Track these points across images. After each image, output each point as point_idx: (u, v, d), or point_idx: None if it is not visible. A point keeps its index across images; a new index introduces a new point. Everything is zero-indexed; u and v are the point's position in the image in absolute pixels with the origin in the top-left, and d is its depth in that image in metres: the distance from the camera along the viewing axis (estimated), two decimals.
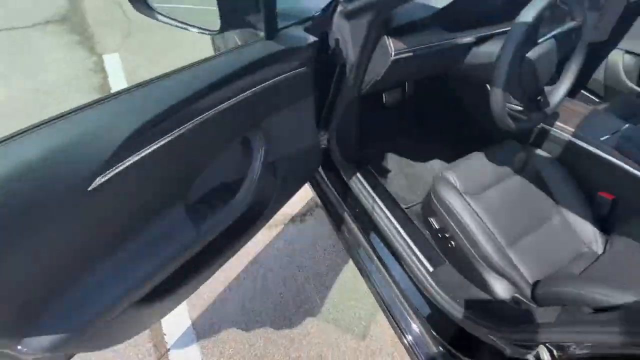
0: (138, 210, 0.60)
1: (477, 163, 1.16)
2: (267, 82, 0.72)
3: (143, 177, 0.58)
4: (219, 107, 0.67)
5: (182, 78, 0.64)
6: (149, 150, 0.56)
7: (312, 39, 0.77)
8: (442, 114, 1.62)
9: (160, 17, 0.76)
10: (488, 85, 1.09)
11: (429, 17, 0.91)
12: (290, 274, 1.45)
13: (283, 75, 0.74)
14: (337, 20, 0.90)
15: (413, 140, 1.58)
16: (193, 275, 0.81)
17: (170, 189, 0.66)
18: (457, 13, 0.93)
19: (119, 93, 0.58)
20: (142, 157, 0.55)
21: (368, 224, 1.22)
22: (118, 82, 2.39)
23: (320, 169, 1.37)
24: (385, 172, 1.45)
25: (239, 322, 1.33)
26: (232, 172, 0.79)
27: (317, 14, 0.83)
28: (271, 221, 1.58)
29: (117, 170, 0.52)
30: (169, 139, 0.58)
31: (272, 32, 0.71)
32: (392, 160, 1.49)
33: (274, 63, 0.72)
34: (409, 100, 1.55)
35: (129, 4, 0.80)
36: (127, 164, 0.53)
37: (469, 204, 1.05)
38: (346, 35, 0.91)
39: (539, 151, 1.21)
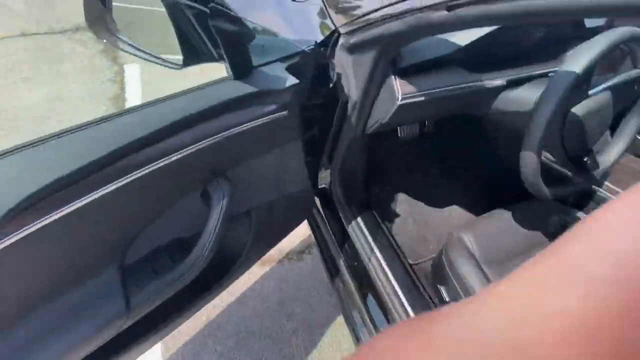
0: (32, 286, 0.49)
1: (501, 223, 0.96)
2: (234, 129, 0.59)
3: (48, 244, 0.46)
4: (170, 156, 0.55)
5: (125, 122, 0.52)
6: (58, 215, 0.45)
7: (292, 80, 0.64)
8: (467, 154, 1.43)
9: (122, 45, 0.66)
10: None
11: (448, 56, 0.75)
12: (278, 322, 1.30)
13: (256, 121, 0.61)
14: (339, 53, 0.77)
15: (430, 181, 1.39)
16: (130, 345, 0.68)
17: (94, 252, 0.55)
18: (484, 51, 0.77)
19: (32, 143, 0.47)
20: (46, 224, 0.44)
21: (364, 281, 1.05)
22: (134, 93, 2.38)
23: (320, 208, 1.23)
24: (393, 217, 1.28)
25: None
26: (188, 227, 0.67)
27: (309, 47, 0.70)
28: (265, 256, 1.44)
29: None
30: (89, 199, 0.47)
31: (241, 71, 0.59)
32: (403, 204, 1.32)
33: (243, 107, 0.59)
34: (428, 136, 1.38)
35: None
36: (22, 234, 0.42)
37: (487, 277, 0.86)
38: (348, 70, 0.77)
39: (581, 215, 1.00)
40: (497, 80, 0.77)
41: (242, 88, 0.58)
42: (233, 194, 0.66)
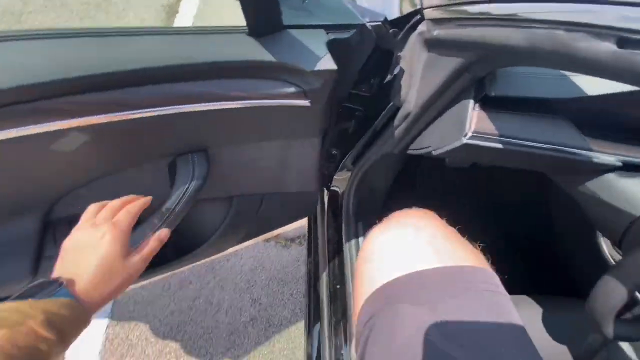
0: None
1: (524, 318, 0.77)
2: (231, 101, 0.43)
3: None
4: (143, 110, 0.41)
5: (109, 46, 0.39)
6: None
7: (328, 64, 0.45)
8: (522, 210, 1.18)
9: None
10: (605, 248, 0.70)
11: (557, 101, 0.53)
12: (239, 303, 1.20)
13: (263, 101, 0.44)
14: (413, 43, 0.57)
15: (461, 222, 1.17)
16: None
17: (16, 194, 0.44)
18: (606, 110, 0.54)
19: None
20: None
21: (339, 307, 0.91)
22: (190, 7, 2.22)
23: (326, 207, 1.07)
24: None
25: (158, 329, 1.12)
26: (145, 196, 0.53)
27: (373, 23, 0.50)
28: None
29: None
30: (32, 130, 0.38)
31: (261, 27, 0.41)
32: None
33: (250, 76, 0.42)
34: (481, 171, 1.15)
35: None
36: None
37: None
38: (416, 70, 0.57)
39: (626, 348, 0.79)
40: (609, 157, 0.54)
41: (256, 51, 0.41)
42: (208, 177, 0.51)
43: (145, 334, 1.11)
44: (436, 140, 0.60)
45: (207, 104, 0.42)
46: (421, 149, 0.65)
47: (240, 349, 1.10)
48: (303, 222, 1.41)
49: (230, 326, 1.14)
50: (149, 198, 0.43)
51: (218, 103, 0.42)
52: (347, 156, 0.93)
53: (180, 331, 1.12)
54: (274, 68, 0.42)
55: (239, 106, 0.43)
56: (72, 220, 0.52)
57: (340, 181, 1.00)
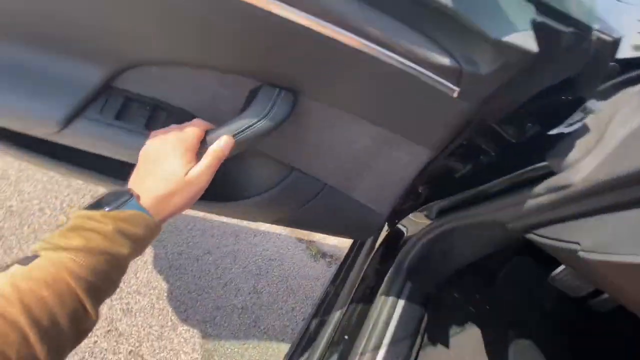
0: None
1: None
2: (357, 36, 0.31)
3: None
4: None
5: None
6: None
7: (526, 41, 0.30)
8: None
9: None
10: None
11: None
12: (241, 284, 1.09)
13: (399, 58, 0.31)
14: (628, 97, 0.39)
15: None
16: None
17: (93, 37, 0.39)
18: None
19: None
20: None
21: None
22: None
23: (379, 242, 0.89)
24: (441, 339, 0.87)
25: (160, 261, 1.07)
26: (208, 109, 0.45)
27: (602, 34, 0.33)
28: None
29: None
30: None
31: None
32: (470, 342, 0.87)
33: (401, 16, 0.29)
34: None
35: None
36: None
37: None
38: (614, 133, 0.40)
39: None
40: None
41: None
42: (282, 125, 0.40)
43: (146, 258, 1.07)
44: (597, 239, 0.39)
45: (329, 24, 0.30)
46: (558, 240, 0.44)
47: (215, 329, 0.99)
48: (345, 242, 1.25)
49: (220, 300, 1.04)
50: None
51: (344, 31, 0.30)
52: (435, 202, 0.75)
53: (176, 275, 1.06)
54: (444, 16, 0.29)
55: (363, 49, 0.31)
56: (128, 97, 0.45)
57: (412, 222, 0.82)
